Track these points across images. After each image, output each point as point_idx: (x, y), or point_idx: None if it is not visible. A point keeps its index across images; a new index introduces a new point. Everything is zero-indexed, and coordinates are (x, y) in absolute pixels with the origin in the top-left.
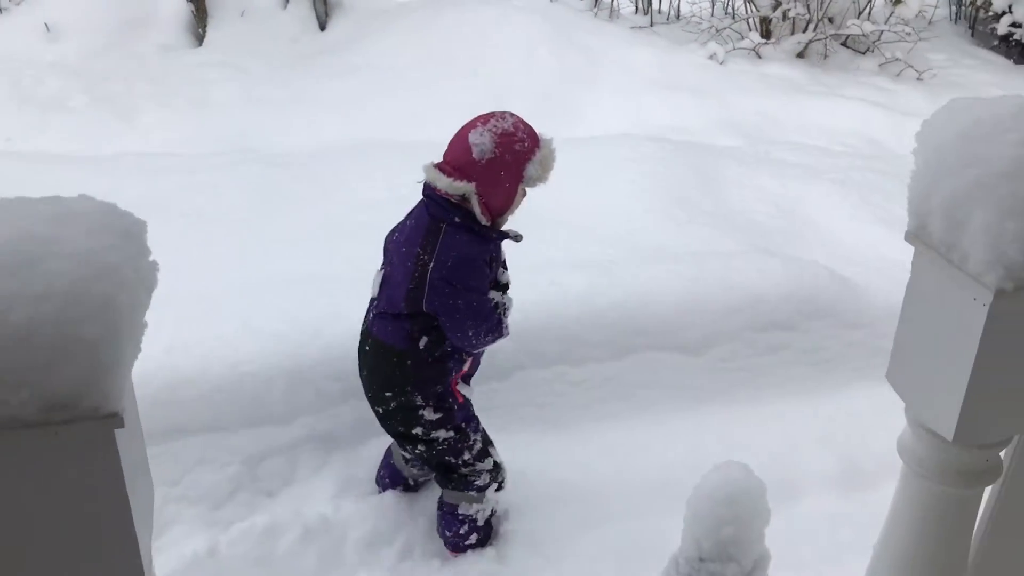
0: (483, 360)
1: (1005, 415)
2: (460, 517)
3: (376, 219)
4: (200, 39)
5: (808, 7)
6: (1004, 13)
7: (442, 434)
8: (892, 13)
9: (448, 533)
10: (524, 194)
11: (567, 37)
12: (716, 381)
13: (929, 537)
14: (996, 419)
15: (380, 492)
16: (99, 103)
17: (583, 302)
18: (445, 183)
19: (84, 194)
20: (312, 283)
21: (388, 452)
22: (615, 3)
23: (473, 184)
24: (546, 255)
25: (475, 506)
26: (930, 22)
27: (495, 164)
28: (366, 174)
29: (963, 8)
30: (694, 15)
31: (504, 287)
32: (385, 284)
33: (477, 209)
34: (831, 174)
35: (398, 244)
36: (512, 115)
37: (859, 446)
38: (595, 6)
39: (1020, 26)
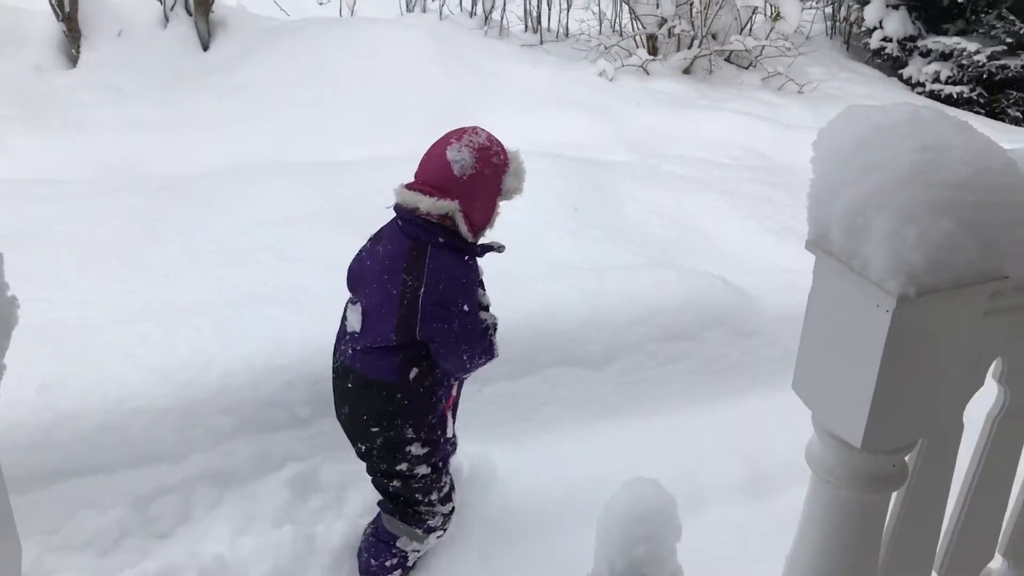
0: None
1: (910, 420)
2: (395, 550)
3: (265, 242)
4: (74, 60)
5: (692, 24)
6: (875, 28)
7: (423, 470)
8: (772, 29)
9: (373, 561)
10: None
11: (458, 55)
12: (620, 394)
13: (840, 543)
14: (902, 424)
15: None
16: None
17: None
18: (428, 203)
19: None
20: (200, 311)
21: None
22: (505, 21)
23: (456, 201)
24: None
25: (414, 543)
26: (808, 37)
27: (476, 179)
28: (253, 196)
29: (838, 24)
30: (582, 33)
31: (486, 307)
32: (366, 317)
33: (463, 226)
34: (721, 186)
35: (374, 273)
36: (482, 129)
37: (763, 453)
38: (485, 24)
39: (891, 40)
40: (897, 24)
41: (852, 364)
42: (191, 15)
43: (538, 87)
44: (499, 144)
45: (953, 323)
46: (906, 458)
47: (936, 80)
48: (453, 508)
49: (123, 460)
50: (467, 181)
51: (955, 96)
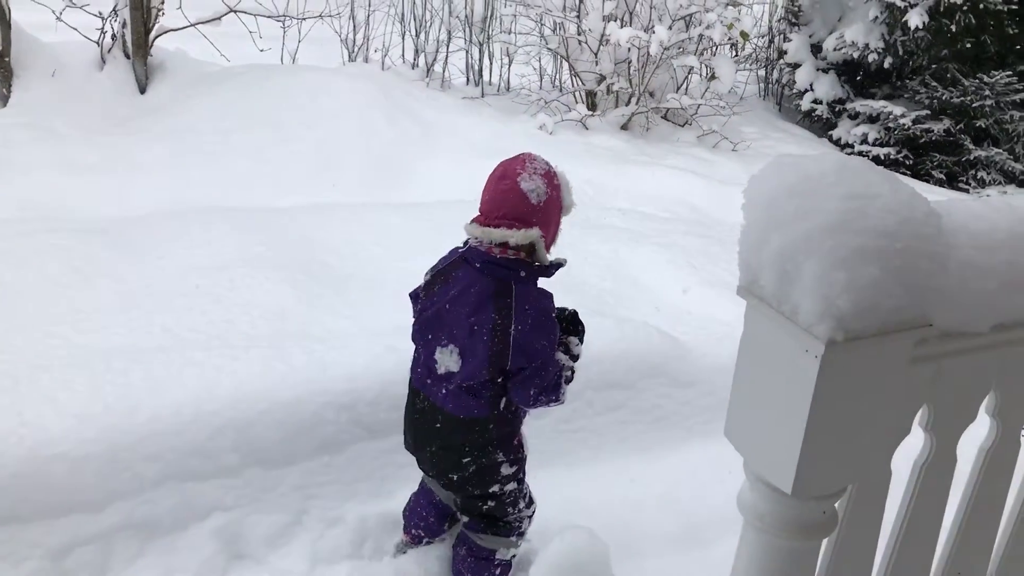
0: (316, 436)
1: (840, 466)
2: (496, 562)
3: (198, 287)
4: (5, 100)
5: (630, 82)
6: (806, 91)
7: (512, 486)
8: (707, 88)
9: (484, 533)
10: None
11: (399, 104)
12: (558, 443)
13: None
14: (832, 470)
15: (415, 543)
16: None
17: None
18: (519, 236)
19: None
20: (127, 356)
21: (420, 494)
22: (446, 74)
23: (537, 228)
24: (383, 319)
25: (512, 551)
26: (742, 98)
27: (549, 204)
28: (188, 241)
29: (771, 86)
30: (523, 87)
31: (575, 356)
32: (463, 359)
33: (542, 251)
34: (658, 238)
35: (461, 316)
36: (530, 153)
37: (697, 503)
38: (427, 76)
39: (821, 103)
40: (827, 87)
41: (782, 410)
42: (128, 58)
43: (479, 138)
44: (552, 164)
45: (880, 369)
46: (836, 505)
47: (864, 141)
48: (535, 507)
49: (40, 509)
50: (544, 208)
51: (882, 157)
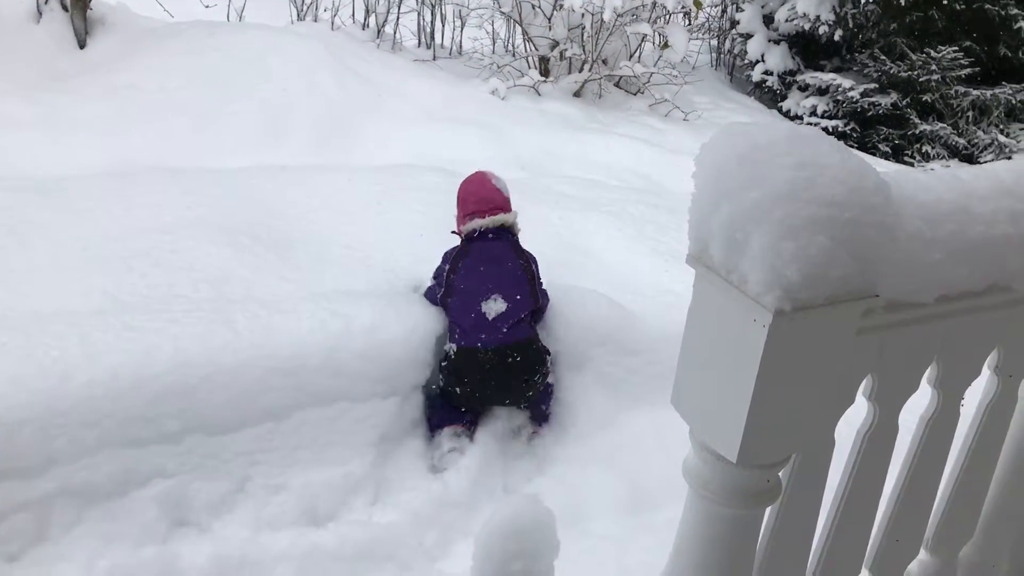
0: (260, 403)
1: (785, 435)
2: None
3: (139, 249)
4: None
5: (584, 48)
6: (758, 62)
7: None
8: (660, 57)
9: (544, 407)
10: None
11: (349, 66)
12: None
13: (714, 559)
14: (776, 439)
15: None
16: None
17: (367, 335)
18: (511, 216)
19: None
20: (63, 319)
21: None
22: (398, 35)
23: (514, 211)
24: (329, 284)
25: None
26: (694, 68)
27: (508, 196)
28: (129, 202)
29: (723, 56)
30: (475, 51)
31: None
32: (510, 300)
33: (517, 225)
34: (608, 207)
35: (501, 275)
36: (482, 170)
37: (642, 470)
38: (378, 37)
39: (771, 74)
40: (778, 59)
41: (729, 379)
42: (67, 11)
43: (430, 102)
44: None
45: (827, 340)
46: (779, 473)
47: (813, 114)
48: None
49: None
50: (508, 198)
51: (830, 130)
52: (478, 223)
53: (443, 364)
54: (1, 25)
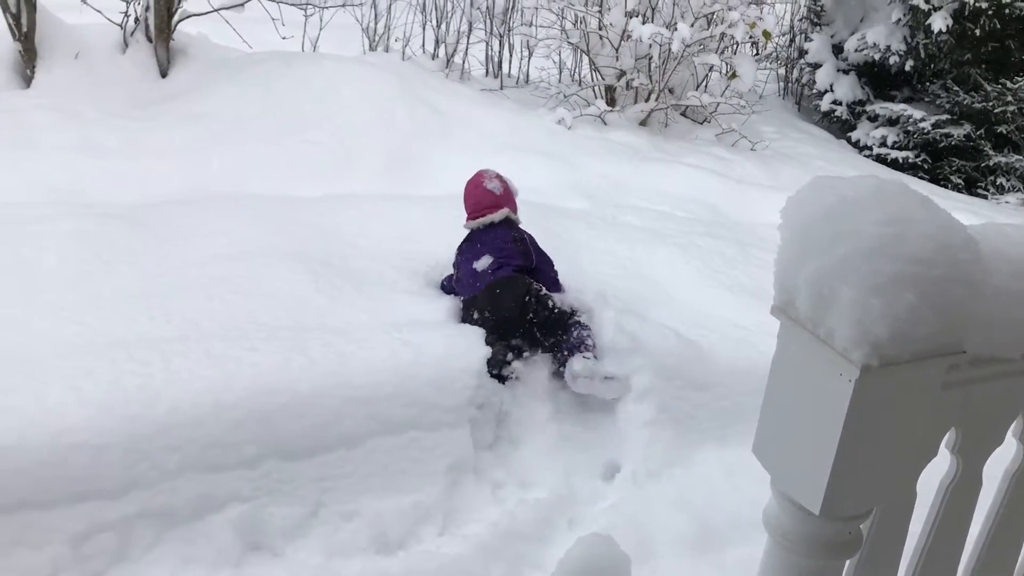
0: (334, 431)
1: (868, 488)
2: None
3: (217, 276)
4: (28, 80)
5: (651, 78)
6: (826, 92)
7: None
8: (728, 87)
9: (585, 333)
10: None
11: (418, 95)
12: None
13: None
14: (860, 492)
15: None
16: None
17: (438, 365)
18: (500, 213)
19: None
20: (147, 345)
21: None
22: (466, 65)
23: (505, 208)
24: (400, 313)
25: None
26: (761, 96)
27: (507, 191)
28: (207, 229)
29: (790, 85)
30: (542, 80)
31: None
32: (495, 255)
33: (516, 216)
34: (674, 239)
35: (491, 244)
36: (484, 169)
37: (712, 507)
38: (447, 67)
39: (840, 104)
40: (847, 89)
41: (813, 431)
42: (151, 41)
43: (497, 131)
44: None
45: (912, 394)
46: (861, 526)
47: (883, 144)
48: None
49: (61, 496)
50: (504, 195)
51: (900, 161)
52: (471, 224)
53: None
54: (91, 55)
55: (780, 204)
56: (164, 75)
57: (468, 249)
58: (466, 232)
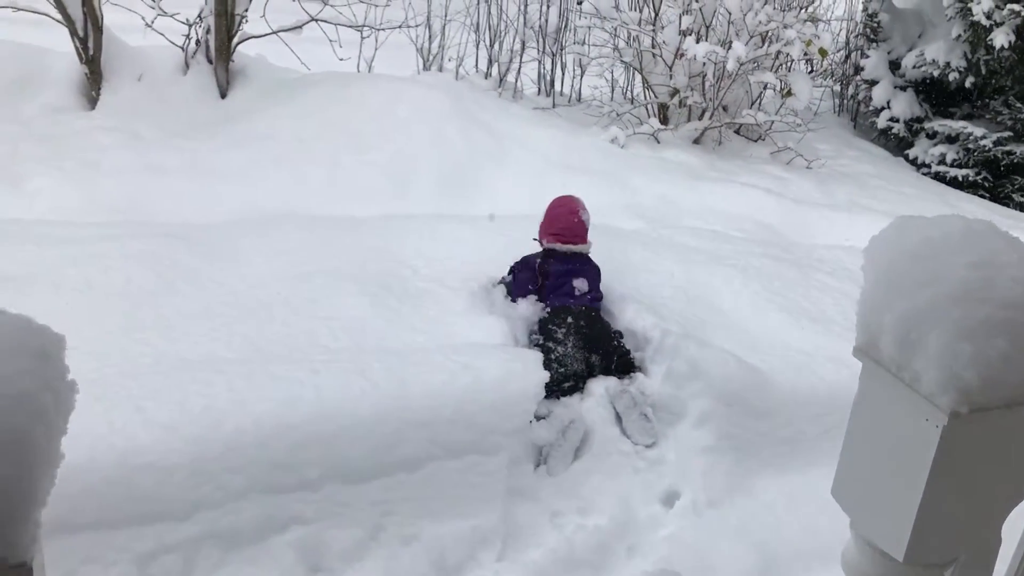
0: (395, 454)
1: (953, 534)
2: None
3: (279, 297)
4: (93, 102)
5: (704, 96)
6: (883, 109)
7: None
8: (783, 104)
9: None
10: None
11: (472, 115)
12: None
13: None
14: (945, 538)
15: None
16: None
17: (497, 388)
18: (586, 247)
19: None
20: (212, 366)
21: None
22: (518, 83)
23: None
24: (458, 335)
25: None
26: (816, 114)
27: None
28: (268, 249)
29: (845, 102)
30: (594, 99)
31: None
32: (590, 283)
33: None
34: (732, 260)
35: (583, 269)
36: (574, 197)
37: (774, 538)
38: (499, 86)
39: (897, 121)
40: (904, 105)
41: (897, 476)
42: (211, 63)
43: (550, 150)
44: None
45: (1001, 439)
46: (944, 572)
47: (942, 162)
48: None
49: (128, 516)
50: (587, 228)
51: (960, 179)
52: (559, 247)
53: (537, 329)
54: (153, 77)
55: (837, 224)
56: (224, 96)
57: (562, 266)
58: (544, 248)
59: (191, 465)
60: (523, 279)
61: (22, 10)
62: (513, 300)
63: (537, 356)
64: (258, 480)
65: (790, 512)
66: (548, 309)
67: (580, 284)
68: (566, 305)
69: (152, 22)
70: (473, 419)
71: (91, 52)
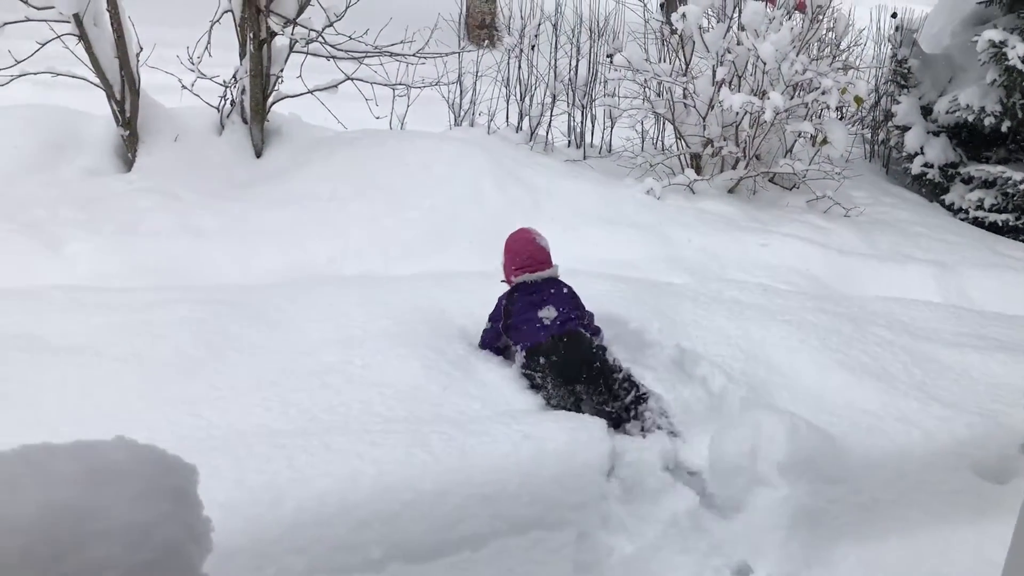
0: (458, 531)
1: None
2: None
3: (329, 364)
4: (130, 164)
5: (739, 145)
6: (917, 154)
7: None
8: (817, 152)
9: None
10: None
11: (507, 169)
12: None
13: None
14: None
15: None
16: (19, 231)
17: (561, 460)
18: (554, 270)
19: (120, 436)
20: (266, 439)
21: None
22: (549, 136)
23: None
24: (514, 401)
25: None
26: (848, 160)
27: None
28: (314, 313)
29: (876, 148)
30: (625, 149)
31: None
32: (559, 308)
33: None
34: (785, 315)
35: (552, 294)
36: (527, 228)
37: None
38: (530, 139)
39: (932, 166)
40: (938, 151)
41: None
42: (246, 123)
43: (586, 203)
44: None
45: None
46: None
47: (979, 207)
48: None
49: None
50: (549, 252)
51: (1000, 224)
52: (528, 277)
53: (521, 371)
54: (189, 138)
55: (885, 275)
56: (259, 155)
57: (525, 299)
58: (514, 284)
59: (254, 546)
60: (488, 333)
61: (61, 75)
62: (481, 347)
63: (601, 424)
64: (321, 561)
65: None
66: (524, 353)
67: (546, 313)
68: (537, 343)
69: (192, 85)
70: (538, 492)
71: (127, 114)
